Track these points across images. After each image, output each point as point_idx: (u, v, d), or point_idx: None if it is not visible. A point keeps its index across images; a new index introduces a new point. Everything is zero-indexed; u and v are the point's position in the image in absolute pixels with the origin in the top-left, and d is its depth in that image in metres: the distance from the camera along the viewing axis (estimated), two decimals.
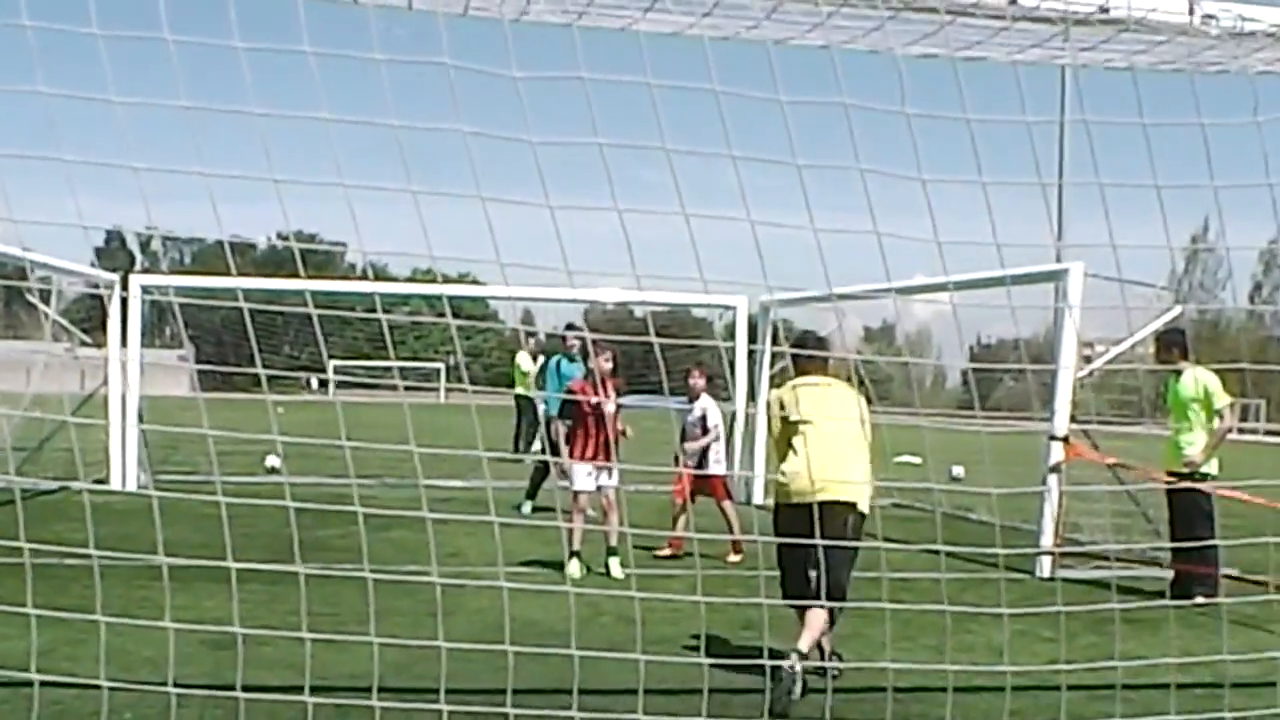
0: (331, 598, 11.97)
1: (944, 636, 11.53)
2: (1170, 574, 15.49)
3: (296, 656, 5.68)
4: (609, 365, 16.89)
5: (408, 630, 6.92)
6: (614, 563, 16.26)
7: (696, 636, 11.73)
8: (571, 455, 16.40)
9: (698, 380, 18.45)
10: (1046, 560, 16.83)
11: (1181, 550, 14.68)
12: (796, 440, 10.79)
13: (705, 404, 18.33)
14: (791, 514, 10.41)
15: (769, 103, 7.11)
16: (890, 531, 9.48)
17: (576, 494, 16.32)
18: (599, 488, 16.33)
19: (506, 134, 6.74)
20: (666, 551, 17.70)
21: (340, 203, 5.84)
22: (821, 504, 10.07)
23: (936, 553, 10.24)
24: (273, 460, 27.58)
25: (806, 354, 11.24)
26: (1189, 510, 14.84)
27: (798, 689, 9.86)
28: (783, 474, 10.79)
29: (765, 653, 9.00)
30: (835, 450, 10.62)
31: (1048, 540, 16.94)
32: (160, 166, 6.72)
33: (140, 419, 25.36)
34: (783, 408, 11.07)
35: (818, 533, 9.38)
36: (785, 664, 9.88)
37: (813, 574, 10.26)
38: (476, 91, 7.12)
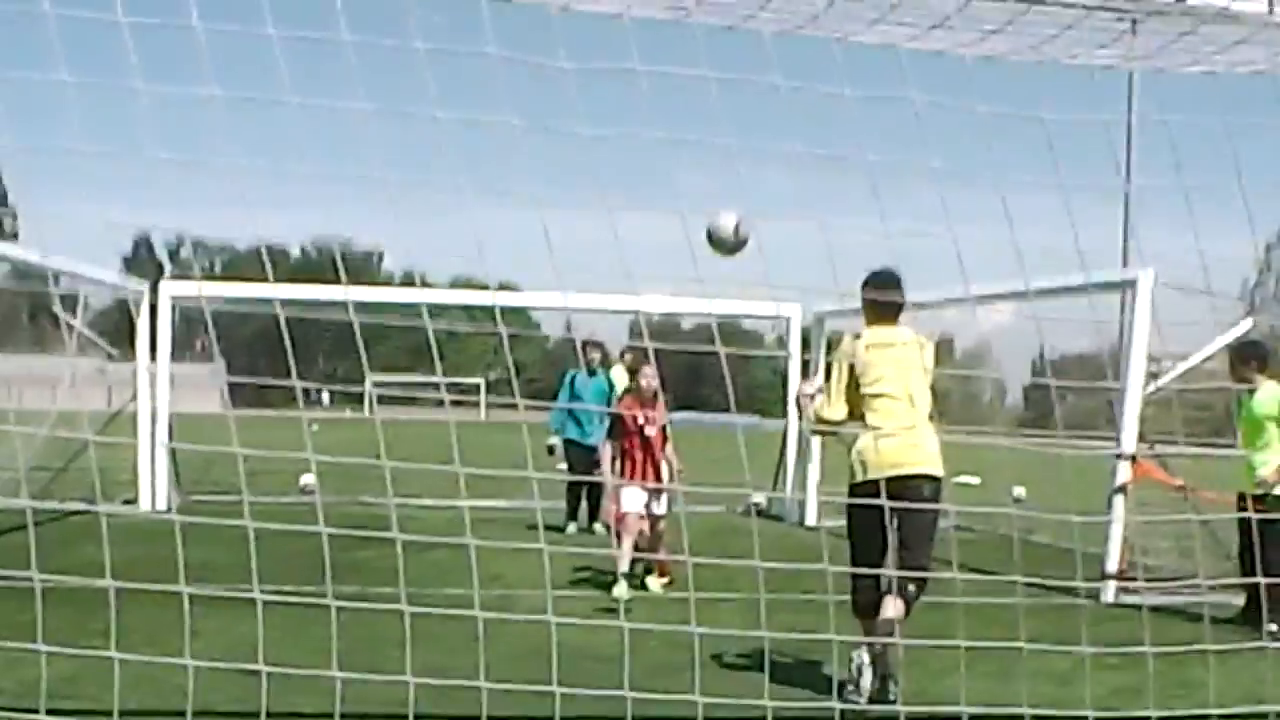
0: (369, 621, 11.97)
1: (1003, 663, 11.49)
2: (1240, 600, 15.37)
3: (332, 682, 5.70)
4: (655, 381, 16.82)
5: (447, 656, 6.94)
6: (651, 580, 16.33)
7: (747, 656, 11.72)
8: (621, 475, 16.43)
9: (650, 377, 18.11)
10: (1111, 585, 16.75)
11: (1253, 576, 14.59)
12: (873, 412, 10.78)
13: (662, 415, 18.20)
14: (869, 493, 10.21)
15: (827, 98, 7.10)
16: (948, 554, 9.46)
17: (624, 515, 16.30)
18: (648, 511, 16.32)
19: (559, 128, 6.73)
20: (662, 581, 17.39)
21: (373, 207, 5.87)
22: (904, 478, 10.29)
23: (997, 576, 10.24)
24: (308, 479, 27.61)
25: (882, 299, 11.12)
26: (1261, 535, 14.69)
27: (866, 680, 10.21)
28: (860, 451, 10.72)
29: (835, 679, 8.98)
30: (914, 421, 10.67)
31: (1112, 564, 16.87)
32: (188, 157, 6.74)
33: (170, 437, 25.44)
34: (852, 372, 10.94)
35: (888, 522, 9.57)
36: (853, 655, 10.35)
37: (887, 561, 10.43)
38: (516, 86, 7.12)
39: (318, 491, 25.00)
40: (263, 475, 27.62)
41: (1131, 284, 17.33)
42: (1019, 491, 28.33)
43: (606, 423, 18.05)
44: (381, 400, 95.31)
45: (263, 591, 5.78)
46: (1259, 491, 14.76)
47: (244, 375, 78.72)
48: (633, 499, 16.33)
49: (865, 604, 10.69)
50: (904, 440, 10.58)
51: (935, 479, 10.70)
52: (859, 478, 10.62)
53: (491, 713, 5.74)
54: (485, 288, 28.73)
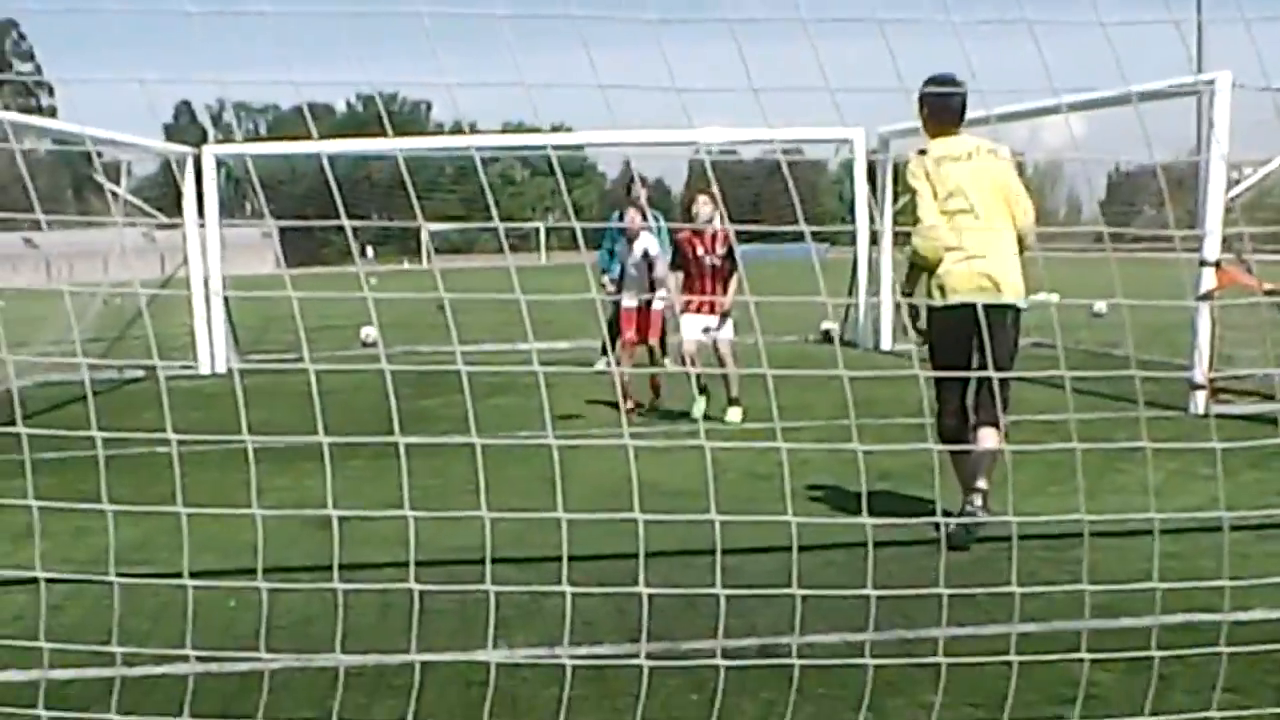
0: (440, 469, 12.07)
1: (1090, 480, 11.47)
2: None
3: (405, 533, 5.71)
4: (709, 210, 16.97)
5: (520, 499, 6.94)
6: (732, 411, 16.50)
7: (822, 488, 11.75)
8: (684, 306, 16.66)
9: (634, 216, 18.35)
10: (1201, 396, 16.67)
11: None
12: (949, 232, 10.36)
13: (645, 242, 18.28)
14: (951, 321, 10.12)
15: None
16: (1030, 368, 9.39)
17: (685, 344, 16.83)
18: (711, 339, 16.56)
19: None
20: (630, 405, 17.89)
21: (420, 59, 5.74)
22: (986, 308, 9.62)
23: (1082, 392, 10.19)
24: (369, 332, 27.76)
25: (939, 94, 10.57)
26: None
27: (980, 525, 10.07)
28: (939, 276, 10.42)
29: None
30: (993, 242, 10.33)
31: (1200, 374, 16.78)
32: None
33: (225, 299, 25.56)
34: (932, 186, 10.47)
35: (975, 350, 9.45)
36: (970, 507, 10.20)
37: (970, 395, 10.35)
38: None
39: (380, 344, 25.20)
40: (322, 332, 27.77)
41: (1209, 86, 17.08)
42: (1100, 306, 28.23)
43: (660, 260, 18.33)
44: (439, 251, 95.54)
45: (329, 445, 5.77)
46: None
47: (298, 235, 78.76)
48: (691, 327, 16.62)
49: (952, 430, 10.58)
50: (983, 265, 10.26)
51: (1015, 308, 10.40)
52: (939, 302, 10.35)
53: (570, 551, 5.73)
54: (538, 131, 28.64)
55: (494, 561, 5.70)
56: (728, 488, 11.48)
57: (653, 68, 6.49)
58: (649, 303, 18.24)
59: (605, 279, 22.31)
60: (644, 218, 18.53)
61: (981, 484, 10.33)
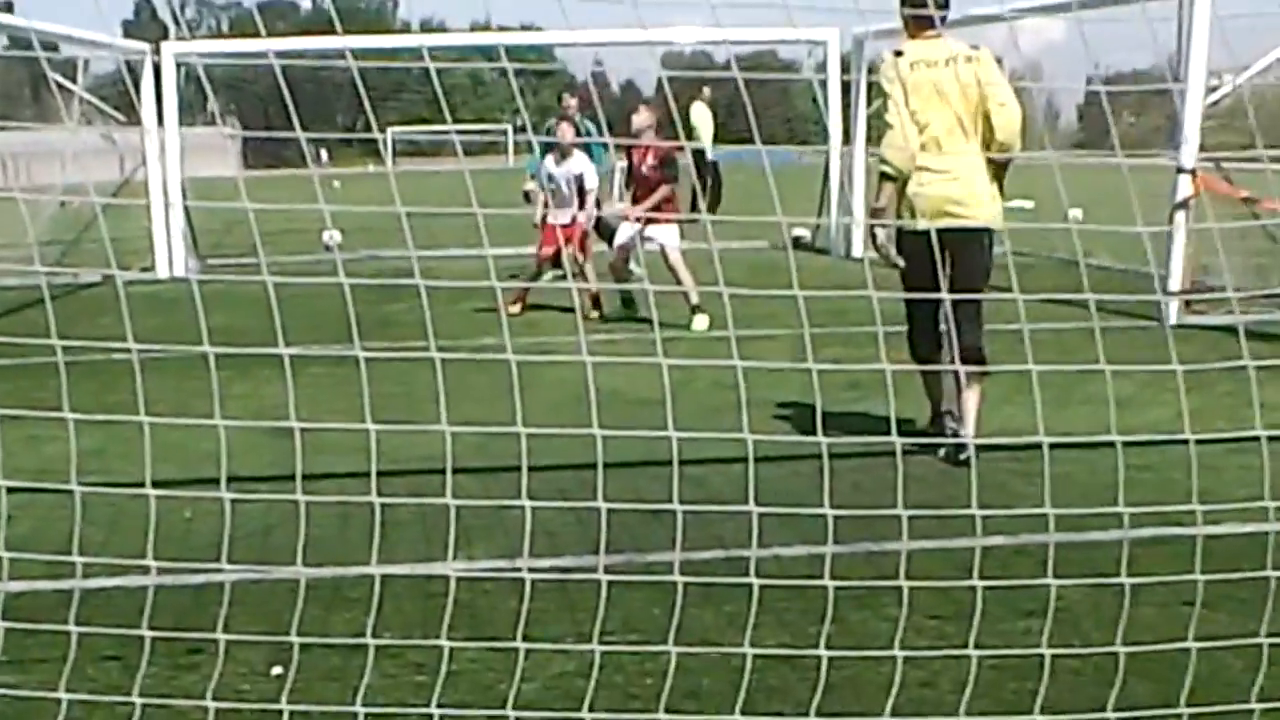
0: (403, 376, 12.06)
1: (1059, 390, 11.52)
2: None
3: (367, 442, 5.73)
4: (640, 120, 17.31)
5: (484, 408, 6.94)
6: (698, 319, 16.64)
7: (790, 402, 11.79)
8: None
9: (565, 131, 18.58)
10: (1175, 305, 16.72)
11: None
12: (921, 147, 10.08)
13: (580, 165, 18.58)
14: (919, 244, 9.53)
15: None
16: (1004, 281, 9.33)
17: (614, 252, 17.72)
18: (655, 247, 16.95)
19: None
20: (517, 308, 18.63)
21: None
22: (956, 232, 9.80)
23: (1055, 301, 10.21)
24: (331, 236, 27.70)
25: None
26: None
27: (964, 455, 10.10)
28: (909, 195, 10.25)
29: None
30: (965, 160, 10.08)
31: (1176, 283, 16.83)
32: None
33: (184, 201, 25.46)
34: (905, 92, 10.13)
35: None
36: (948, 426, 10.45)
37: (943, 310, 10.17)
38: None
39: (334, 250, 25.14)
40: (284, 235, 27.67)
41: None
42: (1075, 213, 28.23)
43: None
44: (403, 153, 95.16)
45: (304, 346, 5.78)
46: None
47: (260, 136, 78.40)
48: (624, 232, 16.93)
49: (924, 349, 10.59)
50: (954, 186, 10.12)
51: (988, 231, 10.26)
52: (907, 224, 10.19)
53: (532, 461, 5.76)
54: (506, 30, 28.59)
55: (455, 472, 5.73)
56: (695, 397, 11.50)
57: None
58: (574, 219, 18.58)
59: (531, 184, 22.07)
60: (576, 133, 18.69)
61: (969, 430, 10.34)
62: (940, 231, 9.28)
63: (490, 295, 18.17)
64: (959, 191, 10.09)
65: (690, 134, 31.01)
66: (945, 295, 9.05)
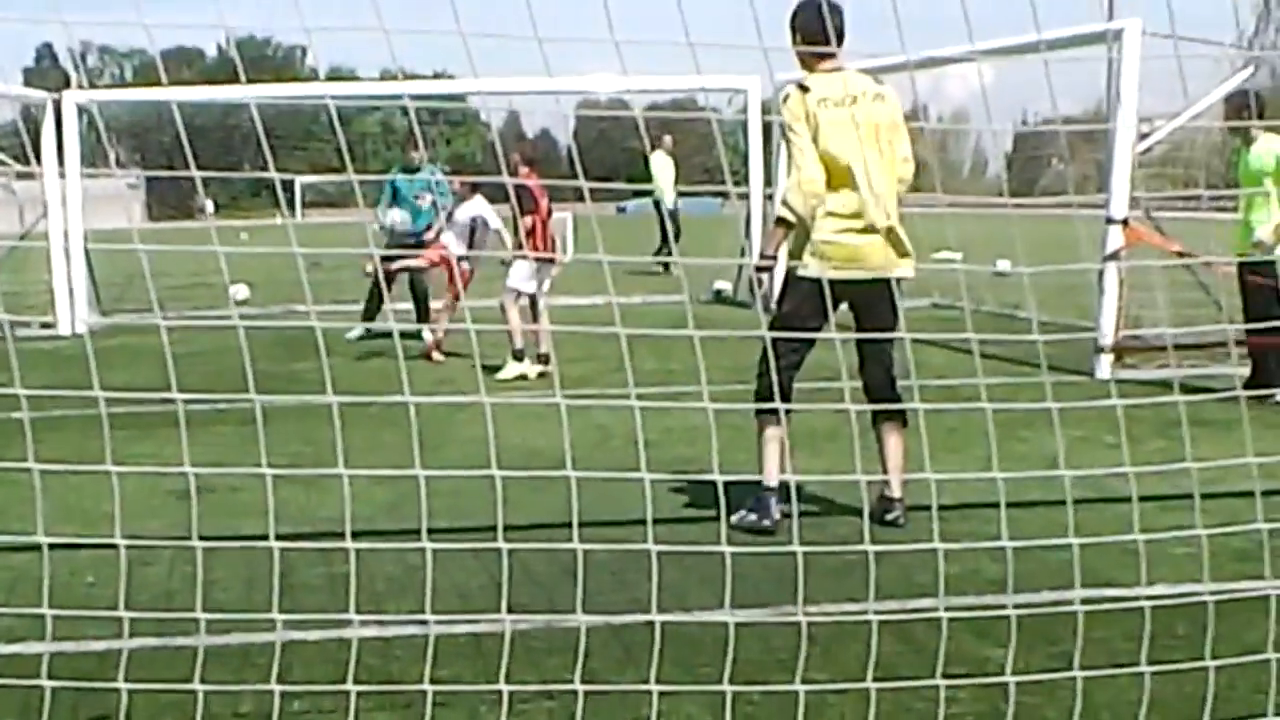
0: (310, 434, 12.03)
1: (989, 447, 11.56)
2: (1245, 370, 15.32)
3: (275, 502, 5.70)
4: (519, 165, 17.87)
5: (396, 465, 6.93)
6: (509, 367, 17.48)
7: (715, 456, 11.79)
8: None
9: (462, 184, 19.27)
10: (1106, 359, 16.83)
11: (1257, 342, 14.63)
12: (829, 190, 9.47)
13: (478, 208, 19.36)
14: (817, 290, 9.02)
15: None
16: (931, 332, 9.39)
17: (512, 294, 17.77)
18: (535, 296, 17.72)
19: None
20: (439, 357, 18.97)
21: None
22: (866, 281, 9.33)
23: (983, 356, 10.25)
24: (238, 290, 27.57)
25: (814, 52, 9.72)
26: (1263, 298, 14.57)
27: (773, 508, 9.67)
28: (814, 243, 9.61)
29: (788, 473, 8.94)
30: (878, 204, 9.50)
31: (1107, 337, 16.93)
32: None
33: (86, 253, 25.30)
34: (812, 131, 9.51)
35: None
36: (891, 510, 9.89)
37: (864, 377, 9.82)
38: None
39: (232, 305, 25.02)
40: (190, 289, 27.55)
41: (1117, 35, 17.19)
42: (1003, 265, 28.42)
43: (439, 215, 20.20)
44: (312, 204, 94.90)
45: (191, 408, 5.74)
46: (1256, 255, 14.61)
47: (166, 186, 78.14)
48: (527, 279, 17.69)
49: (769, 392, 9.53)
50: (866, 235, 9.49)
51: (901, 280, 9.55)
52: (809, 270, 9.57)
53: (444, 522, 5.74)
54: (418, 78, 28.65)
55: (364, 534, 5.72)
56: (611, 455, 11.48)
57: (542, 8, 6.48)
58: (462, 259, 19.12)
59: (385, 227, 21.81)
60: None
61: (897, 492, 9.95)
62: (852, 281, 9.23)
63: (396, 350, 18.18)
64: (874, 238, 9.52)
65: (649, 183, 31.81)
66: (874, 335, 9.02)
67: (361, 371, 17.39)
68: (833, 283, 8.48)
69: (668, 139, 33.09)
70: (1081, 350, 16.76)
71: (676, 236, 31.10)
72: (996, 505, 8.59)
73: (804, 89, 9.65)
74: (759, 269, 9.91)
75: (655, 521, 8.14)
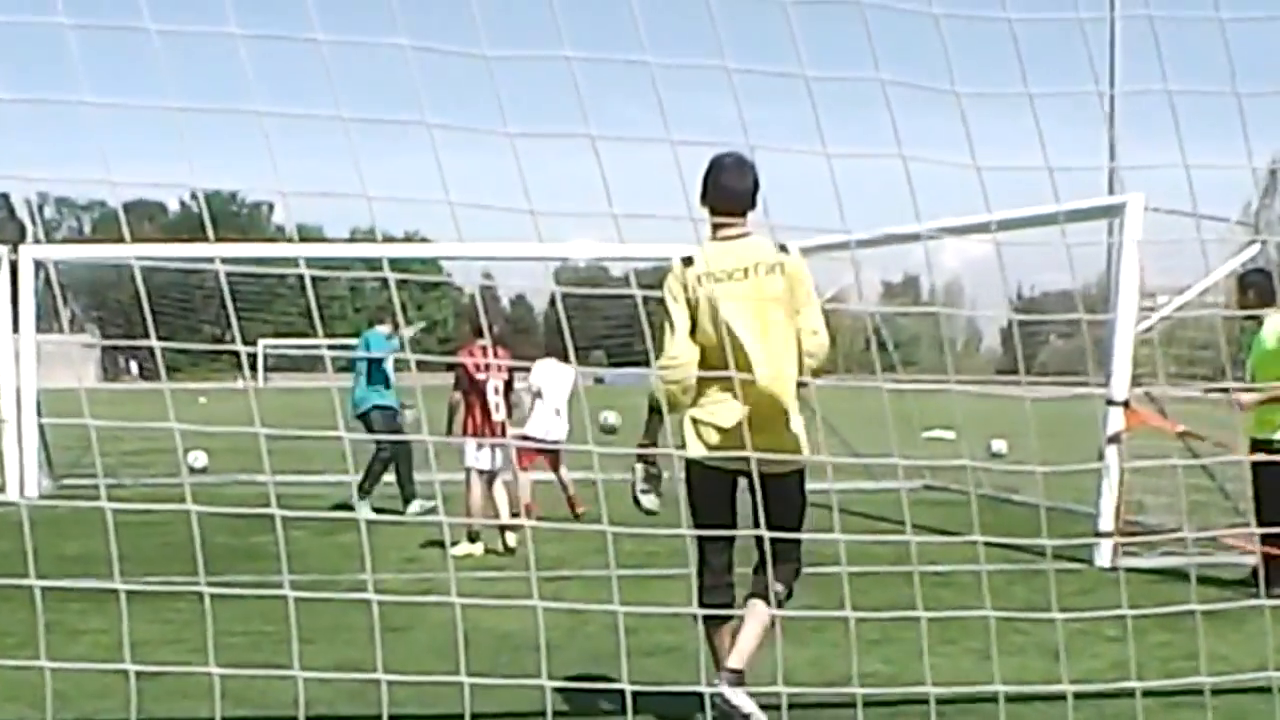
0: (271, 612, 11.93)
1: (989, 638, 11.50)
2: (1253, 560, 15.20)
3: (231, 683, 5.65)
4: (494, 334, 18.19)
5: (362, 648, 6.87)
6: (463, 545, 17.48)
7: (683, 645, 11.72)
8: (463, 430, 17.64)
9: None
10: (1107, 547, 16.76)
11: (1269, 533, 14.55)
12: (711, 371, 8.90)
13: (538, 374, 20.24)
14: (710, 478, 8.99)
15: (764, 3, 6.94)
16: (922, 518, 9.29)
17: (467, 471, 17.80)
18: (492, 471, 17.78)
19: (456, 49, 6.59)
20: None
21: (261, 157, 5.72)
22: (770, 476, 8.67)
23: (977, 542, 10.20)
24: (196, 458, 27.50)
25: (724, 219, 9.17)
26: (1274, 485, 14.47)
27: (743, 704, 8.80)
28: (694, 420, 9.17)
29: (780, 658, 8.88)
30: (769, 389, 8.98)
31: (1107, 523, 16.88)
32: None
33: (38, 415, 25.22)
34: (692, 311, 9.08)
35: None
36: (718, 691, 8.79)
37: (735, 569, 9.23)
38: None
39: (198, 472, 24.93)
40: (146, 454, 27.47)
41: (1119, 210, 17.29)
42: (999, 446, 28.36)
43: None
44: (275, 368, 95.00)
45: (144, 583, 5.72)
46: (1267, 435, 14.54)
47: (122, 346, 78.18)
48: (471, 455, 17.70)
49: (717, 602, 9.28)
50: (755, 416, 8.75)
51: (797, 470, 9.19)
52: (694, 454, 9.13)
53: (409, 710, 5.69)
54: (391, 240, 28.85)
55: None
56: (587, 641, 11.40)
57: (517, 176, 6.53)
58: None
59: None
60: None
61: (735, 663, 9.02)
62: (735, 466, 8.78)
63: (368, 525, 18.09)
64: (764, 424, 8.84)
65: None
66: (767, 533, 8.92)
67: (328, 547, 17.28)
68: (720, 467, 8.56)
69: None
70: (1082, 536, 16.70)
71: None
72: (995, 700, 8.60)
73: (688, 262, 9.21)
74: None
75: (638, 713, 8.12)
